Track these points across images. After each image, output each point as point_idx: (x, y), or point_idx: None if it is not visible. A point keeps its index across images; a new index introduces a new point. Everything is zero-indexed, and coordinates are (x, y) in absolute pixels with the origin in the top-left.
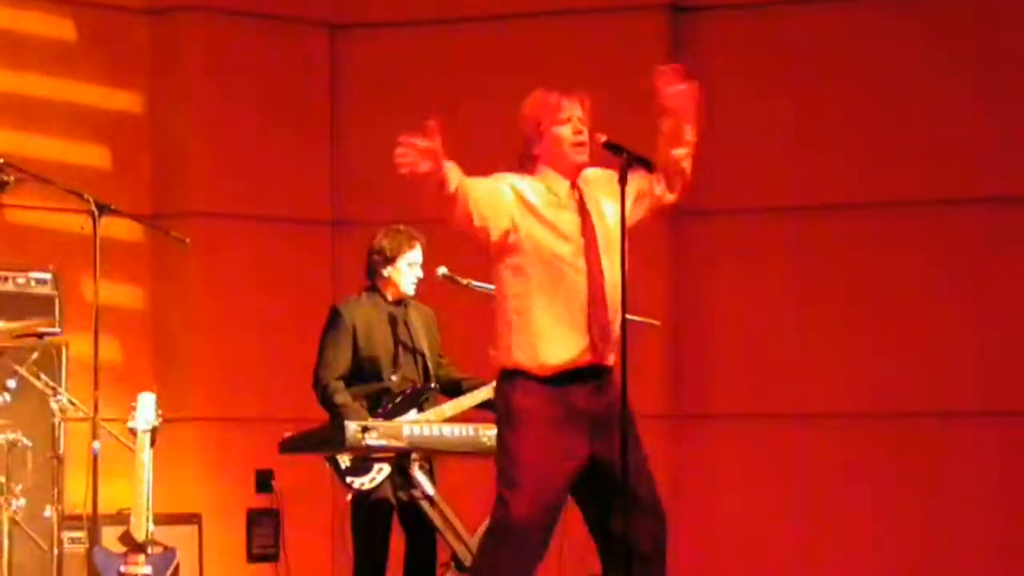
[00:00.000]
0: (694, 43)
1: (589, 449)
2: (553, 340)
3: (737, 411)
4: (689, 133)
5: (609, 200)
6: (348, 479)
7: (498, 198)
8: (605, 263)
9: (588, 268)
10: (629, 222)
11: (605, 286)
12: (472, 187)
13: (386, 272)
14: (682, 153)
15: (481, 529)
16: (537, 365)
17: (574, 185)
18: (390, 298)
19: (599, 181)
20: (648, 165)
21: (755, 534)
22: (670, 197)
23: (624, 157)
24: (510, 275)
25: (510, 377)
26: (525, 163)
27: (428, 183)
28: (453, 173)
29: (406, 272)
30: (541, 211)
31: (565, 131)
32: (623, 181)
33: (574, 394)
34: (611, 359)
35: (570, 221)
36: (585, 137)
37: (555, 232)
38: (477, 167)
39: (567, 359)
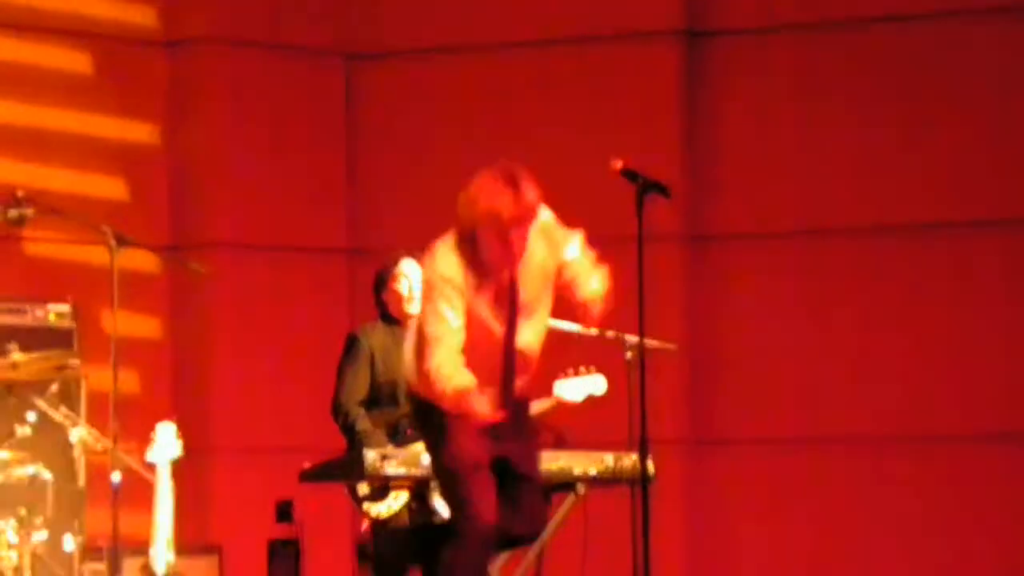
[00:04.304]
0: (708, 68)
1: (495, 451)
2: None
3: (753, 436)
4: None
5: (547, 254)
6: (365, 506)
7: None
8: (523, 324)
9: (506, 331)
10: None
11: (512, 352)
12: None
13: (383, 296)
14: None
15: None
16: None
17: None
18: (399, 321)
19: (543, 233)
20: (664, 191)
21: (772, 557)
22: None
23: (640, 184)
24: None
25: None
26: (464, 241)
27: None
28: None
29: (397, 289)
30: (477, 287)
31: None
32: (640, 206)
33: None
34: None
35: (497, 287)
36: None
37: (486, 300)
38: None
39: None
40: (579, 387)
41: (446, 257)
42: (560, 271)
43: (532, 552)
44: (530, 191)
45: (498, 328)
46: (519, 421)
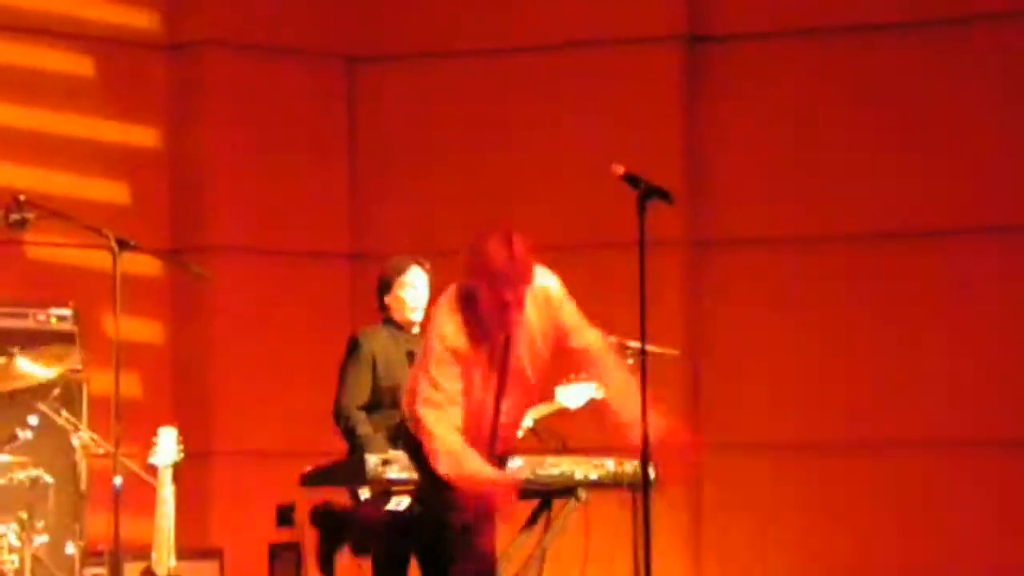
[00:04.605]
0: (711, 72)
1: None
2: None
3: (754, 440)
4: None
5: (543, 322)
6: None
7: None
8: (507, 393)
9: (495, 397)
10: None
11: (498, 417)
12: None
13: (387, 300)
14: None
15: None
16: None
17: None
18: (402, 326)
19: (540, 301)
20: (666, 196)
21: (774, 562)
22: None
23: (641, 189)
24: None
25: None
26: (465, 298)
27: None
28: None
29: (402, 296)
30: (474, 347)
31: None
32: (642, 212)
33: None
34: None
35: (489, 354)
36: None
37: (481, 360)
38: (492, 194)
39: None
40: (581, 392)
41: (447, 317)
42: (569, 345)
43: (534, 557)
44: (525, 253)
45: (489, 390)
46: None
